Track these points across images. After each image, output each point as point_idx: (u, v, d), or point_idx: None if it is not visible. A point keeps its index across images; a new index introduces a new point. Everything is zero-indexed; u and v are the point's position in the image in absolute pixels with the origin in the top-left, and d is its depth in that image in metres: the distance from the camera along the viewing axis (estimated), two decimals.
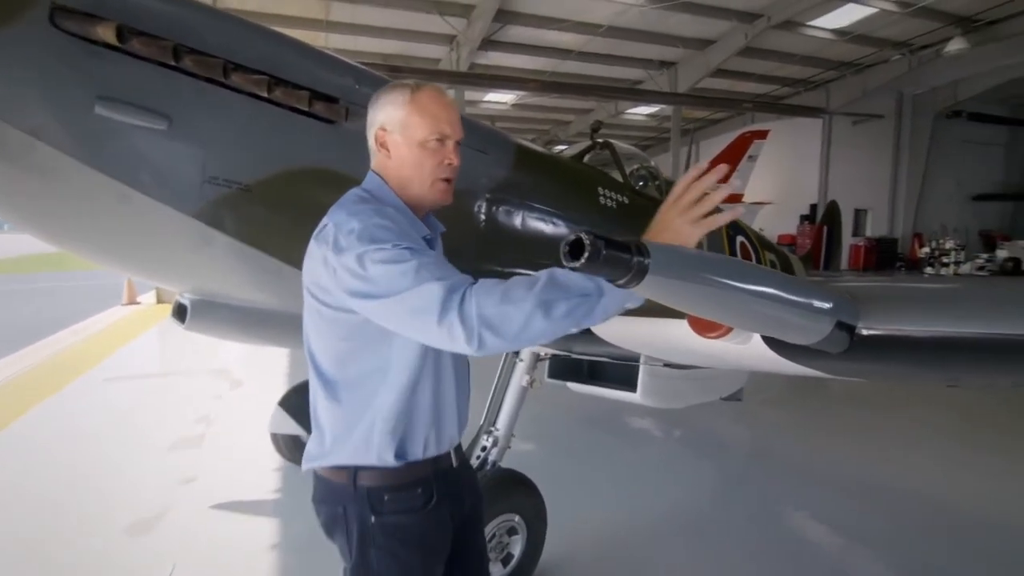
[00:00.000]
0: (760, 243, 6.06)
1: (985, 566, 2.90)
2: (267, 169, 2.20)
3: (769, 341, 1.33)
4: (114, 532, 3.05)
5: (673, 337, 1.56)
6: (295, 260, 2.16)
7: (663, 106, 20.58)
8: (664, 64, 17.43)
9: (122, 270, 2.75)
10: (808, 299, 1.11)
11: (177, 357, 7.37)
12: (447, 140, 1.27)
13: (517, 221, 3.20)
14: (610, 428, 4.93)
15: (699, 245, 1.04)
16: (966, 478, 3.99)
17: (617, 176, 4.00)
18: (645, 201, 4.03)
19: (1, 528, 3.12)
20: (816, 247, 8.93)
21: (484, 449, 2.67)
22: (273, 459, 3.86)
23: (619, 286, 0.90)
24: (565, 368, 2.91)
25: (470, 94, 18.51)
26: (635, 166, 4.28)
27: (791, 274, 1.49)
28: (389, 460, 1.22)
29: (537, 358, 2.77)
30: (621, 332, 1.85)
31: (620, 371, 2.70)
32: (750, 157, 17.44)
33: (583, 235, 0.80)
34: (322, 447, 1.27)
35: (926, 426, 5.15)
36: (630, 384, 2.63)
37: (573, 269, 0.84)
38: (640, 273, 0.84)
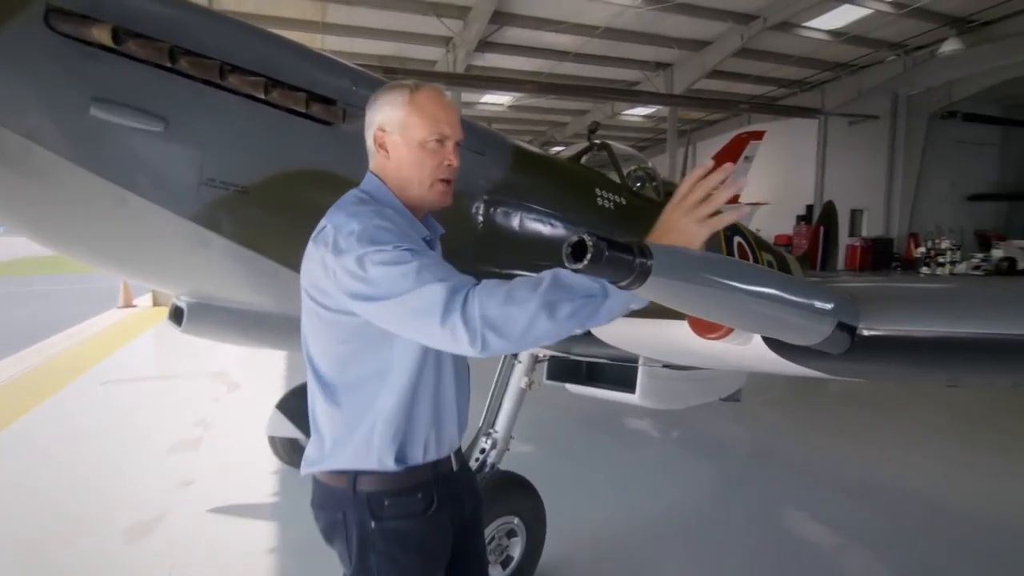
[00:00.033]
0: (757, 244, 6.07)
1: (985, 566, 2.90)
2: (264, 171, 2.19)
3: (769, 342, 1.33)
4: (111, 535, 3.04)
5: (673, 338, 1.55)
6: (293, 262, 2.15)
7: (659, 107, 20.63)
8: (660, 65, 17.48)
9: (118, 273, 2.74)
10: (810, 300, 1.10)
11: (174, 360, 7.34)
12: (447, 141, 1.26)
13: (515, 222, 3.20)
14: (609, 429, 4.92)
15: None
16: (966, 478, 3.99)
17: (614, 177, 4.00)
18: (643, 202, 4.03)
19: None
20: (813, 247, 8.95)
21: (483, 451, 2.66)
22: (271, 462, 3.84)
23: (621, 288, 0.90)
24: (564, 370, 2.91)
25: (466, 96, 18.52)
26: (632, 167, 4.28)
27: (789, 275, 1.48)
28: (389, 464, 1.21)
29: (535, 360, 2.76)
30: (621, 333, 1.84)
31: (619, 372, 2.69)
32: (746, 158, 17.45)
33: (585, 236, 0.79)
34: (321, 451, 1.25)
35: (926, 426, 5.16)
36: (629, 385, 2.63)
37: (575, 271, 0.83)
38: (643, 275, 0.84)
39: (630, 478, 3.98)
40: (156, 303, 11.13)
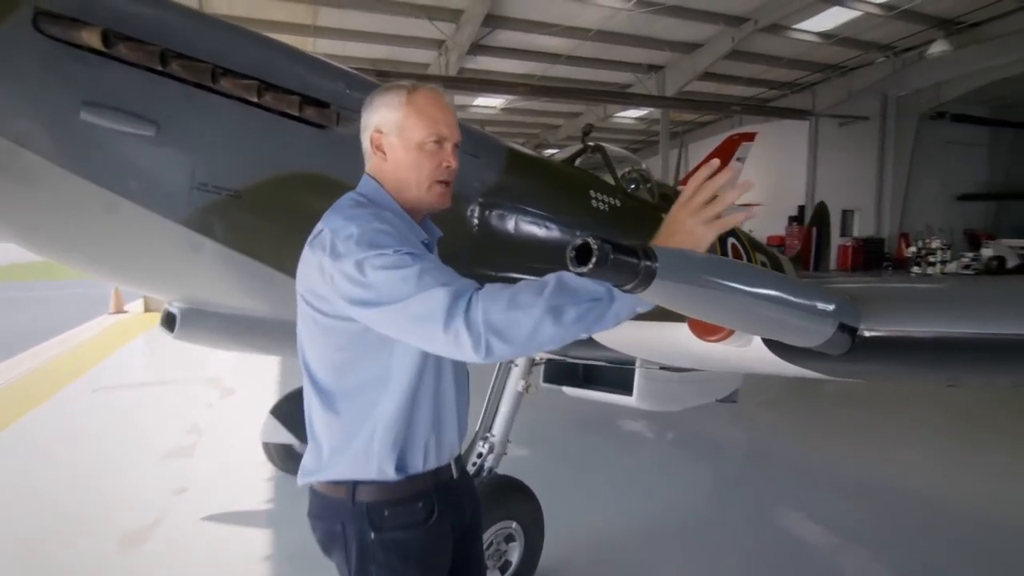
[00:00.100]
0: (751, 244, 6.09)
1: (985, 566, 2.91)
2: (257, 175, 2.17)
3: (770, 344, 1.32)
4: (105, 542, 2.99)
5: (673, 341, 1.55)
6: (287, 267, 2.14)
7: (652, 109, 20.73)
8: (652, 68, 17.56)
9: (109, 279, 2.71)
10: (812, 301, 1.10)
11: (166, 366, 7.27)
12: (445, 142, 1.24)
13: (510, 225, 3.19)
14: (606, 432, 4.91)
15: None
16: (966, 478, 4.00)
17: (609, 179, 4.00)
18: (637, 204, 4.04)
19: None
20: (806, 248, 9.01)
21: (480, 456, 2.65)
22: (265, 468, 3.81)
23: (626, 291, 0.88)
24: (560, 372, 2.90)
25: (459, 99, 18.54)
26: (626, 169, 4.28)
27: (791, 277, 1.48)
28: (390, 473, 1.18)
29: (532, 363, 2.75)
30: (620, 336, 1.84)
31: (616, 375, 2.69)
32: (738, 159, 17.55)
33: (590, 239, 0.78)
34: (319, 460, 1.22)
35: (925, 426, 5.18)
36: (626, 388, 2.62)
37: (580, 274, 0.81)
38: (648, 278, 0.83)
39: (628, 480, 3.97)
40: (148, 309, 11.04)
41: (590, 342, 1.96)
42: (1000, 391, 5.68)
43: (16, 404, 5.43)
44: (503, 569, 2.51)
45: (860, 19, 14.42)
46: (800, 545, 3.16)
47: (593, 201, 3.72)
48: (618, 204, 3.85)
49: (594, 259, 0.78)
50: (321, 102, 2.30)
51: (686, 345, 1.48)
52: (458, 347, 0.99)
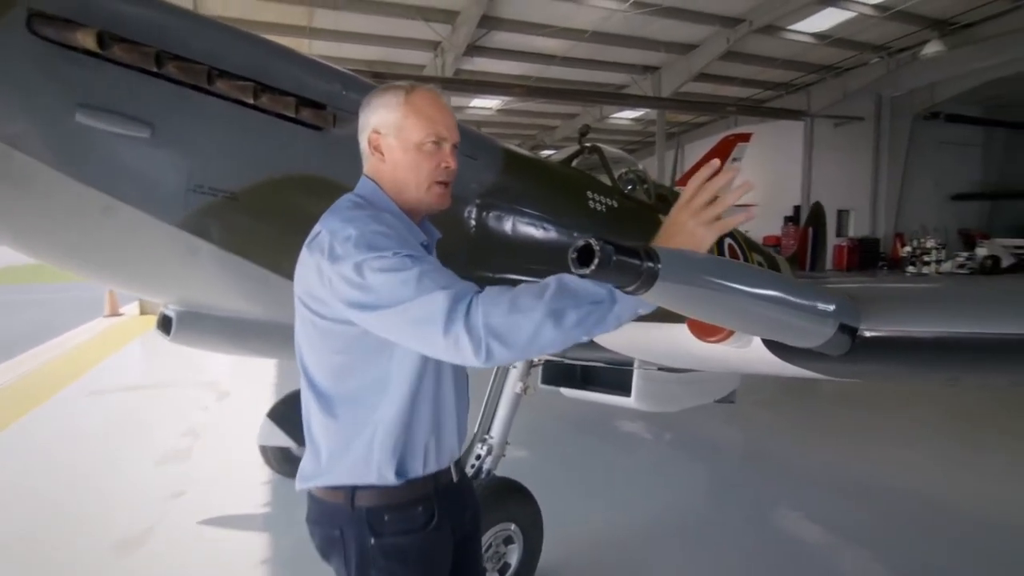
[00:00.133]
0: (747, 245, 6.10)
1: (985, 566, 2.91)
2: (253, 177, 2.16)
3: (770, 344, 1.32)
4: (100, 548, 2.97)
5: (672, 342, 1.54)
6: (284, 269, 2.13)
7: (647, 110, 20.76)
8: (648, 69, 17.60)
9: (104, 282, 2.69)
10: (813, 302, 1.10)
11: (162, 369, 7.24)
12: (444, 143, 1.23)
13: (507, 226, 3.19)
14: (604, 432, 4.91)
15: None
16: (966, 478, 4.00)
17: (606, 180, 4.00)
18: (634, 205, 4.04)
19: None
20: (802, 248, 9.04)
21: (479, 458, 2.63)
22: (262, 472, 3.79)
23: (628, 293, 0.88)
24: (558, 374, 2.90)
25: (455, 100, 18.53)
26: (623, 170, 4.28)
27: (791, 277, 1.47)
28: (390, 477, 1.17)
29: (531, 364, 2.74)
30: (619, 337, 1.83)
31: (614, 376, 2.69)
32: (734, 160, 17.62)
33: (592, 241, 0.77)
34: (318, 465, 1.21)
35: (925, 426, 5.18)
36: (624, 389, 2.62)
37: (582, 276, 0.81)
38: (650, 279, 0.82)
39: (626, 481, 3.96)
40: (143, 312, 11.00)
41: (589, 343, 1.95)
42: (999, 390, 5.69)
43: (11, 407, 5.40)
44: (502, 571, 2.49)
45: (854, 20, 14.49)
46: (800, 545, 3.16)
47: (590, 202, 3.72)
48: (615, 205, 3.85)
49: (596, 260, 0.77)
50: (317, 103, 2.29)
51: (685, 346, 1.47)
52: (458, 351, 0.99)
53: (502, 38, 14.85)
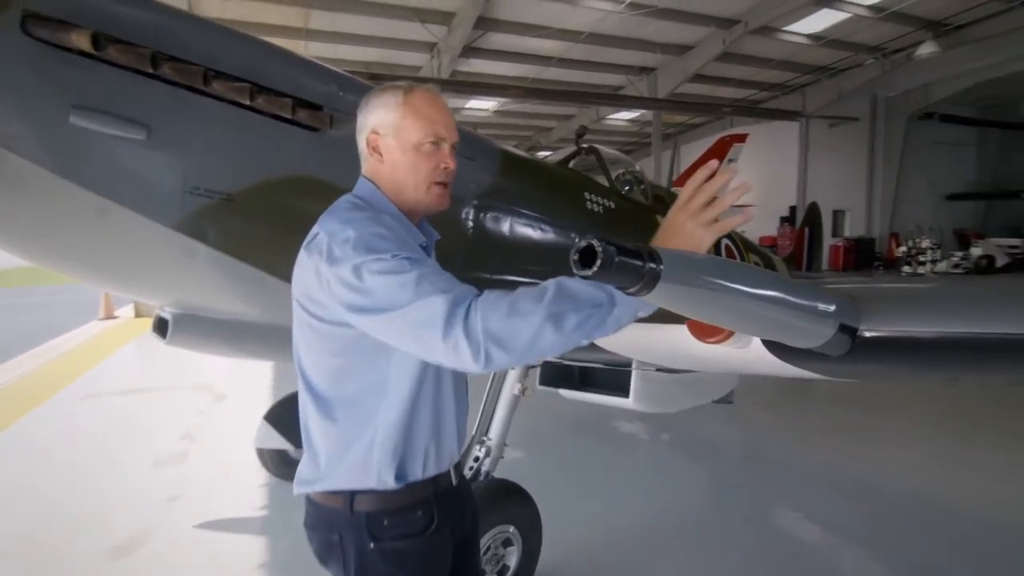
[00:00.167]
0: (744, 245, 6.11)
1: (985, 566, 2.91)
2: (250, 178, 2.15)
3: (770, 345, 1.32)
4: (96, 553, 2.95)
5: (672, 343, 1.54)
6: (281, 271, 2.12)
7: (643, 111, 20.79)
8: (644, 70, 17.62)
9: (100, 285, 2.67)
10: (813, 302, 1.09)
11: (158, 372, 7.21)
12: (442, 143, 1.22)
13: (505, 227, 3.18)
14: (602, 433, 4.91)
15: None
16: (966, 478, 4.00)
17: (603, 181, 4.00)
18: (631, 206, 4.04)
19: None
20: (798, 248, 9.07)
21: (477, 459, 2.63)
22: (259, 475, 3.77)
23: (630, 294, 0.87)
24: (556, 375, 2.89)
25: (452, 101, 18.51)
26: (620, 171, 4.28)
27: (791, 278, 1.47)
28: (389, 482, 1.16)
29: (529, 366, 2.74)
30: (619, 338, 1.82)
31: (612, 377, 2.68)
32: (730, 160, 17.64)
33: (594, 242, 0.77)
34: (316, 469, 1.20)
35: (926, 425, 5.18)
36: (623, 390, 2.62)
37: (585, 278, 0.80)
38: (652, 280, 0.82)
39: (625, 482, 3.96)
40: (139, 314, 10.96)
41: (588, 345, 1.95)
42: (998, 390, 5.69)
43: (7, 410, 5.36)
44: (501, 573, 2.49)
45: (849, 21, 14.55)
46: (799, 545, 3.16)
47: (588, 203, 3.72)
48: (612, 206, 3.85)
49: (599, 262, 0.76)
50: (314, 105, 2.28)
51: (685, 347, 1.47)
52: (457, 356, 0.97)
53: (498, 39, 14.85)
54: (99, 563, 2.88)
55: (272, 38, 2.44)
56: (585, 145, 4.16)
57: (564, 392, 2.82)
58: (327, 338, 1.15)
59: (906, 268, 17.92)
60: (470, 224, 3.00)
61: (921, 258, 17.80)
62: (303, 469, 1.23)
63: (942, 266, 17.68)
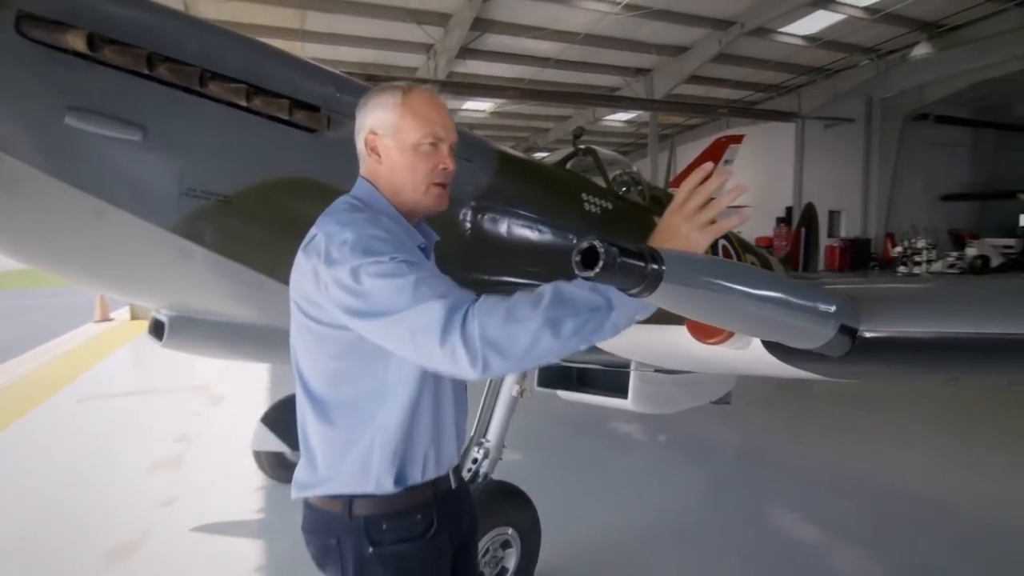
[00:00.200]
0: (741, 245, 6.13)
1: (985, 566, 2.91)
2: (247, 180, 2.15)
3: (769, 346, 1.31)
4: (92, 557, 2.93)
5: (672, 344, 1.53)
6: (278, 273, 2.11)
7: (640, 112, 20.82)
8: (640, 71, 17.65)
9: (96, 287, 2.66)
10: (814, 303, 1.09)
11: (153, 374, 7.18)
12: (441, 144, 1.21)
13: (502, 229, 3.18)
14: (600, 435, 4.90)
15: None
16: (965, 478, 4.00)
17: (600, 182, 4.00)
18: (628, 206, 4.04)
19: None
20: (795, 249, 9.09)
21: (475, 461, 2.61)
22: (256, 478, 3.76)
23: (632, 295, 0.86)
24: (555, 376, 2.89)
25: (448, 102, 18.48)
26: (617, 172, 4.29)
27: (792, 279, 1.46)
28: (388, 487, 1.15)
29: None
30: (619, 340, 1.81)
31: (610, 378, 2.68)
32: (726, 161, 17.68)
33: (596, 243, 0.76)
34: (314, 474, 1.18)
35: (926, 425, 5.19)
36: (621, 391, 2.61)
37: (587, 279, 0.80)
38: (655, 281, 0.81)
39: (624, 483, 3.96)
40: (134, 316, 10.91)
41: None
42: (997, 390, 5.70)
43: (0, 414, 5.32)
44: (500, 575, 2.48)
45: (844, 22, 14.60)
46: (798, 546, 3.16)
47: (585, 204, 3.72)
48: (610, 207, 3.85)
49: (601, 263, 0.76)
50: (311, 106, 2.28)
51: (685, 348, 1.47)
52: (454, 363, 0.97)
53: (495, 41, 14.85)
54: (96, 566, 2.86)
55: (268, 39, 2.43)
56: (583, 146, 4.16)
57: (562, 393, 2.82)
58: (325, 341, 1.14)
59: (902, 268, 17.99)
60: (468, 225, 2.99)
61: (916, 258, 17.88)
62: (300, 473, 1.21)
63: (937, 266, 17.76)
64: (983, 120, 21.09)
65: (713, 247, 5.24)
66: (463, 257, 2.92)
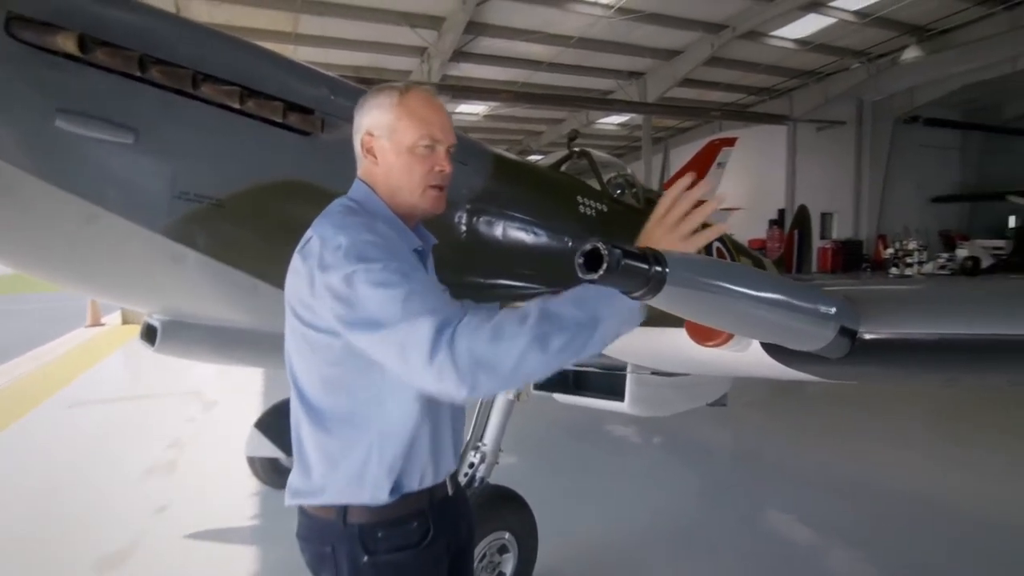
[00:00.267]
0: (735, 247, 6.14)
1: (985, 566, 2.91)
2: (240, 183, 2.13)
3: (768, 348, 1.31)
4: (83, 566, 2.89)
5: (670, 346, 1.53)
6: (271, 276, 2.10)
7: (633, 115, 20.88)
8: (633, 74, 17.71)
9: (87, 292, 2.64)
10: (815, 305, 1.09)
11: (146, 379, 7.11)
12: (438, 145, 1.20)
13: (498, 232, 3.17)
14: (596, 438, 4.89)
15: None
16: (964, 478, 4.00)
17: (595, 184, 4.00)
18: (623, 209, 4.04)
19: None
20: (788, 251, 9.13)
21: (472, 466, 2.60)
22: (250, 484, 3.72)
23: (635, 298, 0.86)
24: (551, 379, 2.85)
25: None
26: (612, 174, 4.30)
27: (793, 280, 1.46)
28: (383, 498, 1.13)
29: None
30: (617, 342, 1.81)
31: (607, 381, 2.67)
32: (719, 164, 17.77)
33: (599, 245, 0.75)
34: (308, 482, 1.16)
35: (924, 425, 5.22)
36: (617, 394, 2.60)
37: (591, 282, 0.79)
38: (658, 284, 0.80)
39: (620, 486, 3.95)
40: (126, 321, 10.83)
41: None
42: (995, 390, 5.72)
43: None
44: None
45: (835, 26, 14.72)
46: (796, 546, 3.16)
47: (580, 206, 3.72)
48: (605, 209, 3.86)
49: (604, 265, 0.75)
50: (305, 108, 2.26)
51: (683, 350, 1.46)
52: (440, 381, 0.95)
53: (488, 44, 14.87)
54: (89, 573, 2.82)
55: (261, 42, 2.42)
56: (577, 149, 4.16)
57: (559, 397, 2.81)
58: (320, 347, 1.11)
59: (893, 270, 18.11)
60: (463, 228, 2.99)
61: (908, 260, 18.01)
62: (294, 479, 1.19)
63: (928, 267, 17.89)
64: (973, 122, 21.29)
65: (707, 249, 5.28)
66: (458, 260, 2.91)
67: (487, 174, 3.13)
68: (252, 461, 3.65)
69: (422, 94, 1.21)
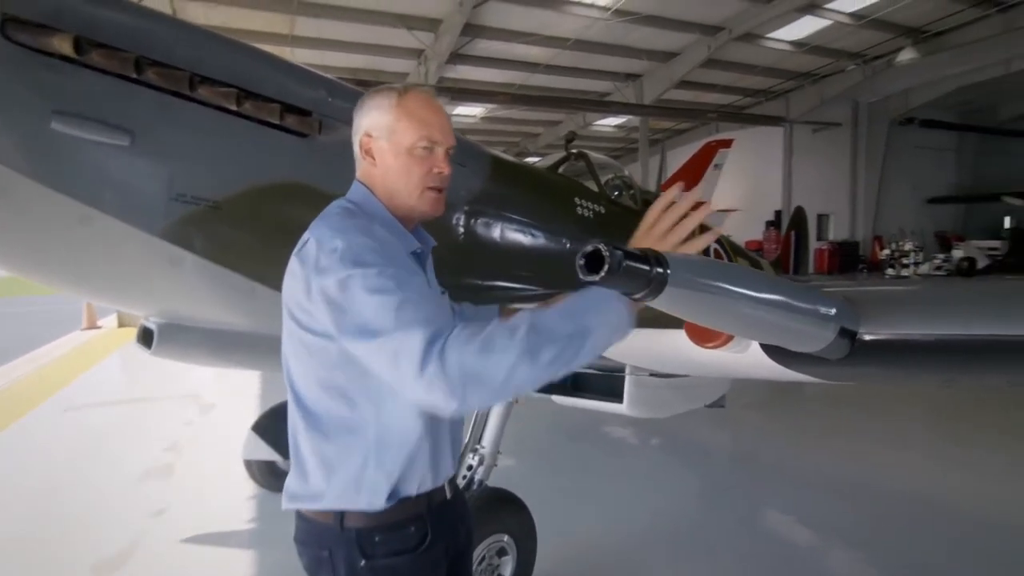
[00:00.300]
0: (732, 249, 6.15)
1: (985, 566, 2.91)
2: (237, 185, 2.12)
3: (768, 349, 1.31)
4: (81, 570, 2.87)
5: (669, 348, 1.52)
6: (269, 279, 2.09)
7: (630, 117, 20.93)
8: (630, 76, 17.75)
9: (83, 294, 2.62)
10: (815, 306, 1.09)
11: (142, 382, 7.08)
12: (436, 147, 1.19)
13: (496, 233, 3.17)
14: (596, 439, 4.89)
15: None
16: (964, 478, 4.00)
17: (592, 186, 4.00)
18: (620, 210, 4.04)
19: None
20: (785, 252, 9.16)
21: (470, 468, 2.60)
22: (247, 487, 3.71)
23: (636, 299, 0.85)
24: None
25: None
26: (609, 176, 4.30)
27: (793, 281, 1.47)
28: (379, 505, 1.12)
29: None
30: (617, 344, 1.81)
31: (605, 382, 2.67)
32: (716, 166, 17.81)
33: (601, 246, 0.75)
34: (305, 486, 1.15)
35: (924, 425, 5.22)
36: (616, 395, 2.60)
37: (592, 283, 0.78)
38: (660, 285, 0.80)
39: (620, 488, 3.94)
40: (122, 324, 10.79)
41: None
42: (994, 391, 5.73)
43: None
44: None
45: (831, 28, 14.78)
46: (795, 547, 3.16)
47: (578, 208, 3.72)
48: (602, 211, 3.86)
49: (606, 267, 0.74)
50: (302, 110, 2.26)
51: (683, 352, 1.46)
52: (429, 393, 0.93)
53: (485, 46, 14.88)
54: None
55: (257, 44, 2.41)
56: (574, 150, 4.16)
57: (557, 398, 2.80)
58: (317, 351, 1.11)
59: (890, 271, 18.15)
60: (461, 230, 2.98)
61: (904, 260, 18.05)
62: (291, 483, 1.18)
63: (924, 268, 17.93)
64: (968, 124, 21.38)
65: (705, 250, 5.30)
66: (457, 262, 2.90)
67: (485, 176, 3.13)
68: (249, 464, 3.64)
69: (421, 95, 1.20)
